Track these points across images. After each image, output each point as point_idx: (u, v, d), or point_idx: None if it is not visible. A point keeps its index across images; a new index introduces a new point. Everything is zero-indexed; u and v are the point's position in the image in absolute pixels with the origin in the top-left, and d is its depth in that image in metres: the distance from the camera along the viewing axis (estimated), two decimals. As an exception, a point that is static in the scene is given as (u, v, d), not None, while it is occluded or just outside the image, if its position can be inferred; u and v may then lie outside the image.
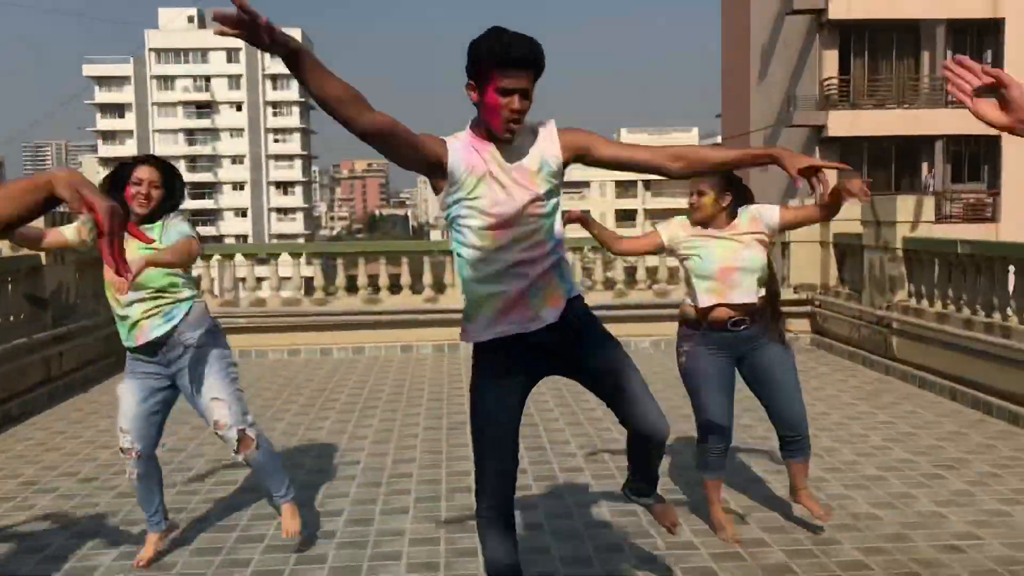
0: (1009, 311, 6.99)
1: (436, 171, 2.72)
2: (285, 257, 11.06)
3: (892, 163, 27.48)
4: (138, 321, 4.01)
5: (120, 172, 3.97)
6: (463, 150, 2.73)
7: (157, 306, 4.01)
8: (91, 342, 9.07)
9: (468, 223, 2.75)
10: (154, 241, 2.57)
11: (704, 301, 4.14)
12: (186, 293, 4.11)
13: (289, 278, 11.04)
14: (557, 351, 2.86)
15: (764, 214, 4.21)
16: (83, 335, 8.85)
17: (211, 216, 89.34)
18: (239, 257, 11.03)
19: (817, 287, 10.39)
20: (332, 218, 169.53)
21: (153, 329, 4.01)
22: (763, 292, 4.19)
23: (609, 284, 10.57)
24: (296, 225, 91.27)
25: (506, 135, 2.70)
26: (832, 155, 26.75)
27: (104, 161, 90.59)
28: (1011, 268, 7.13)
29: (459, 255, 2.83)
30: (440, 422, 7.04)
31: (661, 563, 4.17)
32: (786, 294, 10.40)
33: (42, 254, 8.32)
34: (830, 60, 26.53)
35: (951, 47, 26.18)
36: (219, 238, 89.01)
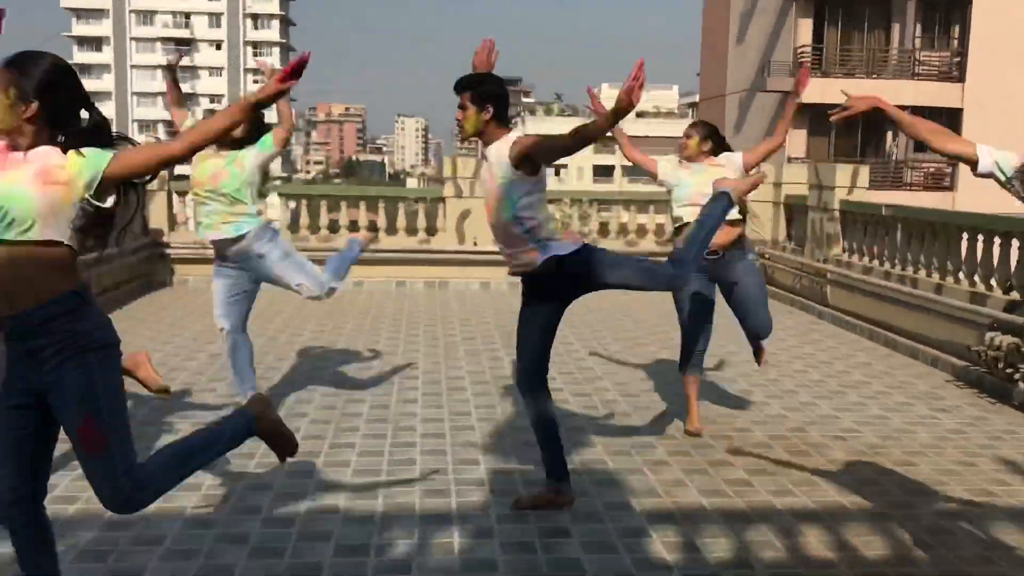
0: (920, 266, 8.32)
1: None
2: (274, 198, 12.14)
3: (859, 131, 28.74)
4: (212, 223, 5.25)
5: None
6: None
7: (232, 214, 5.24)
8: (120, 268, 10.20)
9: None
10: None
11: (680, 221, 5.42)
12: (252, 210, 5.30)
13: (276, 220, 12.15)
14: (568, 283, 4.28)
15: (733, 158, 5.48)
16: (112, 261, 9.98)
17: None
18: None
19: (768, 242, 11.69)
20: (308, 162, 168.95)
21: (222, 233, 5.25)
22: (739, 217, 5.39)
23: (584, 236, 11.81)
24: (272, 167, 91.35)
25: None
26: (801, 121, 28.02)
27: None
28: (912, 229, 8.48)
29: None
30: (438, 343, 8.28)
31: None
32: (740, 247, 11.73)
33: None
34: (804, 28, 27.64)
35: (920, 21, 27.38)
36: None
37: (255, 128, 5.29)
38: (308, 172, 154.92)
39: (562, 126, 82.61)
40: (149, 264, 11.10)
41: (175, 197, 11.37)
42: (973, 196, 27.26)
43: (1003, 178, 3.09)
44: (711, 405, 6.27)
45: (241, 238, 5.27)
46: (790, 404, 6.42)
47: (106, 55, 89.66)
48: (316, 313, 9.73)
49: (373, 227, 11.76)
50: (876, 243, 9.19)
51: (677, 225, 5.51)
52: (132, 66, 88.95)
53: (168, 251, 11.14)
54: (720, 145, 5.55)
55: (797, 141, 28.41)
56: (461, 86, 4.16)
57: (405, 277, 11.45)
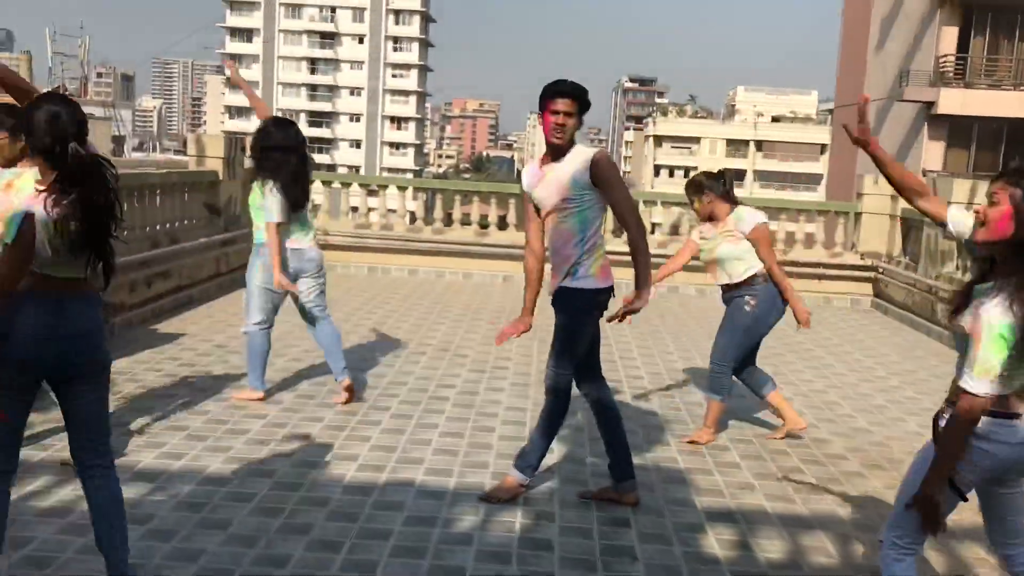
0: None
1: None
2: (393, 190, 12.61)
3: (1002, 144, 27.47)
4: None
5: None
6: None
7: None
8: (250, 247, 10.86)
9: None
10: None
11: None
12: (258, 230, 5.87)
13: (395, 210, 12.64)
14: None
15: (743, 219, 5.48)
16: (245, 240, 10.63)
17: (327, 145, 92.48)
18: (355, 186, 12.67)
19: (882, 256, 11.45)
20: (440, 156, 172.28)
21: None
22: (751, 267, 5.45)
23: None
24: (406, 160, 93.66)
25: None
26: (939, 132, 26.99)
27: (228, 83, 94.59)
28: None
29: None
30: (534, 335, 8.52)
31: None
32: (852, 260, 11.53)
33: (219, 169, 10.08)
34: (948, 36, 26.56)
35: (1077, 30, 25.95)
36: (332, 167, 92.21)
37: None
38: (439, 166, 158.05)
39: (695, 128, 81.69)
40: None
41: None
42: None
43: (963, 240, 3.08)
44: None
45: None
46: (877, 419, 6.38)
47: (255, 46, 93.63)
48: (424, 300, 10.15)
49: (484, 222, 12.11)
50: (991, 262, 8.91)
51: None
52: (279, 57, 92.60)
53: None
54: (727, 196, 5.53)
55: (934, 154, 27.38)
56: (573, 94, 4.25)
57: (513, 272, 11.75)
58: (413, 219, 12.32)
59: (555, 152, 4.31)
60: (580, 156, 4.27)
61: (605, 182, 4.23)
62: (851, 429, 6.10)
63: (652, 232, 11.72)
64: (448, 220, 12.17)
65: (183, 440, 5.07)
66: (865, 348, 8.95)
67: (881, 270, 11.36)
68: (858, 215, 11.70)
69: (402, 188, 12.27)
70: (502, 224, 12.23)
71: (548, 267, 4.44)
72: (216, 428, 5.35)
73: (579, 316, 4.37)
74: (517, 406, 6.16)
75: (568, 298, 4.37)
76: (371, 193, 13.12)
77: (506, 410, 6.06)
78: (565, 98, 4.22)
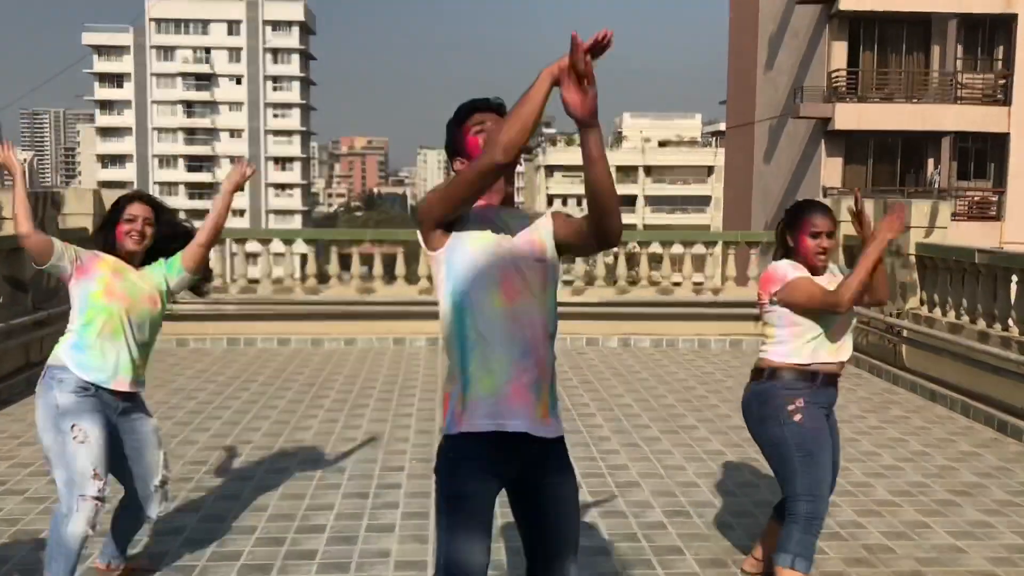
0: (1027, 326, 6.72)
1: None
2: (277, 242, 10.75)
3: (898, 158, 27.20)
4: (136, 366, 3.76)
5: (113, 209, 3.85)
6: None
7: (144, 362, 3.81)
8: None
9: None
10: None
11: (816, 356, 3.65)
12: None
13: (282, 254, 10.74)
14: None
15: (835, 270, 3.90)
16: (65, 319, 8.53)
17: (208, 190, 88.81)
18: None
19: (824, 289, 10.10)
20: (330, 195, 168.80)
21: (136, 384, 3.79)
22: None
23: (611, 280, 10.29)
24: (293, 201, 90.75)
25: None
26: (837, 149, 26.49)
27: (101, 131, 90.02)
28: (1013, 278, 6.92)
29: None
30: (431, 425, 6.75)
31: None
32: (792, 296, 10.15)
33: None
34: (839, 51, 26.14)
35: (962, 41, 25.86)
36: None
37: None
38: (330, 205, 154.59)
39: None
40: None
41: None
42: (1022, 225, 25.80)
43: None
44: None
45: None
46: (892, 528, 4.82)
47: (127, 91, 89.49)
48: (304, 368, 8.28)
49: (369, 274, 10.29)
50: (966, 296, 7.59)
51: (810, 361, 3.68)
52: (153, 101, 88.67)
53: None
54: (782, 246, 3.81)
55: (832, 170, 26.91)
56: (493, 106, 2.68)
57: (405, 333, 9.95)
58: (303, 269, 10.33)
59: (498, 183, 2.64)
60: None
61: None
62: (864, 547, 4.51)
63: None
64: (323, 276, 10.29)
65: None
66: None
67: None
68: (793, 244, 10.33)
69: (288, 241, 10.34)
70: (389, 276, 10.44)
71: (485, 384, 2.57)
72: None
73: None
74: (410, 558, 4.35)
75: (563, 451, 2.73)
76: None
77: (396, 567, 4.26)
78: (489, 113, 2.67)
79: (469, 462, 2.57)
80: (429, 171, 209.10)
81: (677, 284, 10.26)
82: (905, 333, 8.29)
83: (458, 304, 2.57)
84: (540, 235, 2.66)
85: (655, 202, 79.38)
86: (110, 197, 9.69)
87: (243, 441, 6.26)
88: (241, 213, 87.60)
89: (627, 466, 5.79)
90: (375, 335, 9.89)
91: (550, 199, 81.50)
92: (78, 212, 9.37)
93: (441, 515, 2.61)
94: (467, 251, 2.56)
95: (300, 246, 10.81)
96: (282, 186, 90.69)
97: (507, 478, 2.64)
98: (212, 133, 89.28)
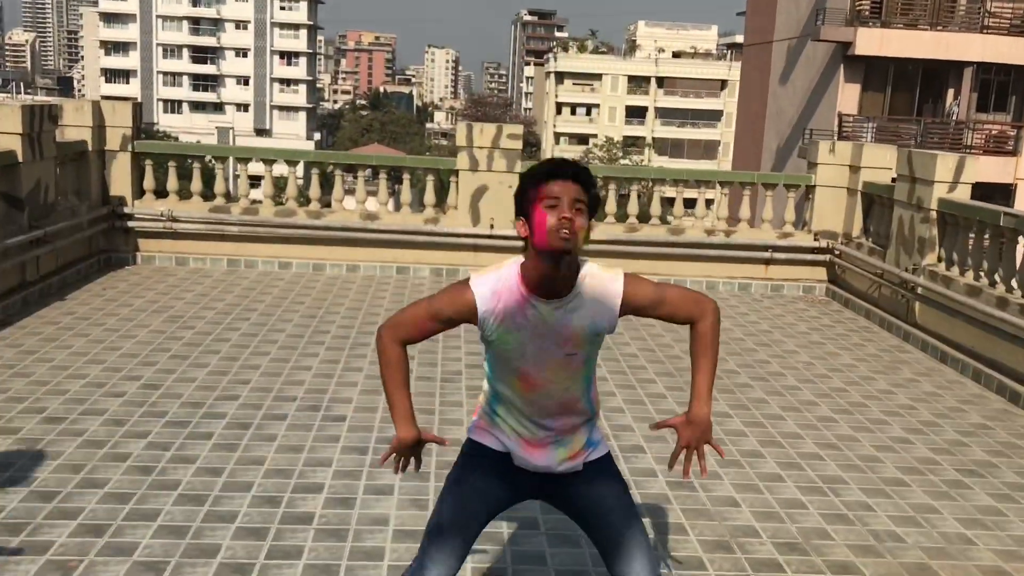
0: (1049, 296, 6.53)
1: None
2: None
3: (917, 88, 26.58)
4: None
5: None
6: None
7: None
8: (70, 244, 8.58)
9: None
10: None
11: None
12: None
13: (285, 178, 10.48)
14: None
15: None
16: (61, 237, 8.35)
17: (212, 82, 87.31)
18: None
19: (839, 236, 9.87)
20: (335, 91, 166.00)
21: None
22: None
23: (621, 217, 10.04)
24: (299, 97, 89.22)
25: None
26: (855, 75, 25.83)
27: (105, 16, 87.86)
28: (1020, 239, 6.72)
29: None
30: (433, 371, 6.63)
31: None
32: (805, 240, 9.94)
33: (17, 148, 7.75)
34: (864, -28, 25.27)
35: (994, -33, 24.97)
36: (219, 105, 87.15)
37: None
38: (335, 102, 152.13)
39: (597, 64, 79.61)
40: (108, 238, 9.47)
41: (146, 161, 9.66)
42: (1040, 162, 25.32)
43: None
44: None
45: None
46: (901, 511, 4.72)
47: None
48: (305, 297, 8.15)
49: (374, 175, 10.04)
50: (988, 258, 7.38)
51: None
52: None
53: (131, 223, 9.49)
54: None
55: (848, 96, 26.32)
56: (583, 178, 2.44)
57: (409, 262, 9.77)
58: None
59: (552, 274, 2.43)
60: (598, 288, 2.51)
61: (646, 303, 2.61)
62: (872, 534, 4.43)
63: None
64: (329, 186, 10.02)
65: None
66: (833, 362, 7.35)
67: (837, 252, 9.78)
68: (810, 188, 10.06)
69: (268, 162, 10.03)
70: (395, 203, 10.20)
71: (523, 437, 2.68)
72: None
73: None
74: (409, 526, 4.26)
75: (608, 463, 2.76)
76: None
77: (395, 536, 4.17)
78: (570, 183, 2.41)
79: (483, 459, 2.69)
80: (436, 70, 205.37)
81: (689, 222, 10.02)
82: (920, 290, 8.10)
83: (489, 364, 2.63)
84: (583, 324, 2.50)
85: (665, 114, 78.12)
86: (110, 111, 9.39)
87: (241, 381, 6.14)
88: (245, 108, 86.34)
89: (622, 409, 5.68)
90: (379, 262, 9.71)
91: (559, 107, 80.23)
92: (77, 124, 9.08)
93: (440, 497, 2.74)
94: (491, 342, 2.55)
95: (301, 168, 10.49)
96: (287, 81, 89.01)
97: (525, 488, 2.72)
98: (217, 24, 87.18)
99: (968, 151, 25.25)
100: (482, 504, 2.66)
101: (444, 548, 2.60)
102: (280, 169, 11.05)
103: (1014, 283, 6.98)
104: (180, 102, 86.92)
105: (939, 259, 8.11)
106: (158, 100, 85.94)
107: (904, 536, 4.42)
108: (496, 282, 2.46)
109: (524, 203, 2.45)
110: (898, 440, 5.73)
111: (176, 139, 60.82)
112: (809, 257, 9.92)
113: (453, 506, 2.66)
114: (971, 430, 6.01)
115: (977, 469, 5.33)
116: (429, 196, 9.81)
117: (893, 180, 9.08)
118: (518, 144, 9.62)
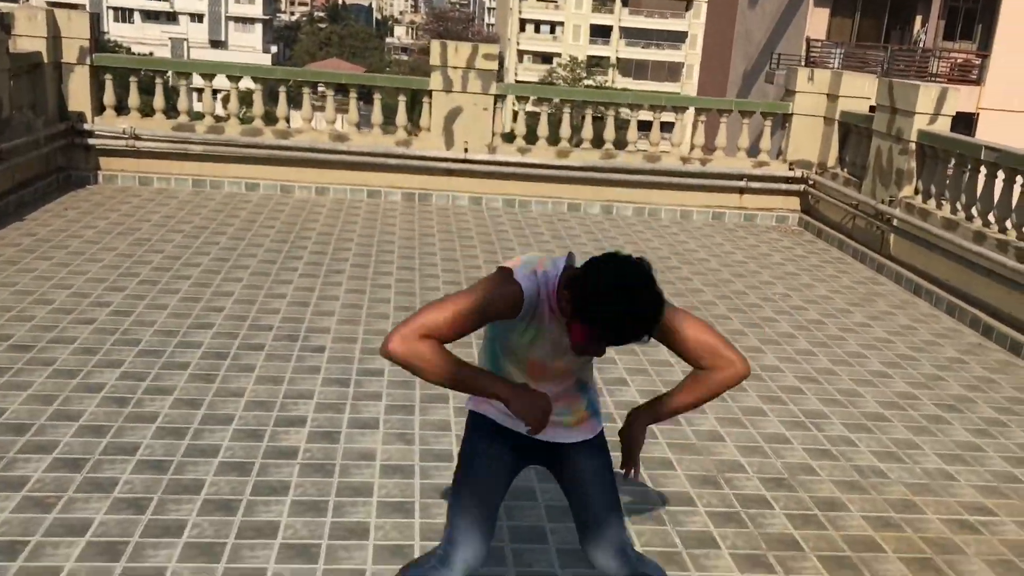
0: (1026, 231, 6.55)
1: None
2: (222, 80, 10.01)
3: (886, 13, 26.42)
4: None
5: None
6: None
7: None
8: (26, 161, 8.24)
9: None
10: None
11: None
12: None
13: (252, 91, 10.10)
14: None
15: None
16: (17, 154, 8.01)
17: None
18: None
19: (814, 166, 9.82)
20: (293, 2, 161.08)
21: None
22: None
23: (598, 143, 9.86)
24: (255, 8, 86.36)
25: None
26: (825, 1, 25.57)
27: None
28: (1019, 179, 6.72)
29: None
30: (411, 300, 6.51)
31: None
32: (780, 170, 9.87)
33: (-29, 61, 7.35)
34: None
35: None
36: (173, 15, 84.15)
37: None
38: (292, 14, 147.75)
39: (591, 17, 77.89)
40: (67, 156, 9.11)
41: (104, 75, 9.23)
42: (1002, 91, 25.45)
43: None
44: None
45: None
46: (884, 447, 4.76)
47: None
48: (274, 220, 7.95)
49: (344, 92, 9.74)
50: (965, 192, 7.37)
51: None
52: None
53: (92, 140, 9.13)
54: None
55: (817, 20, 26.09)
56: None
57: (380, 185, 9.55)
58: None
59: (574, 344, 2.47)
60: None
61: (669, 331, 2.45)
62: (856, 470, 4.46)
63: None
64: (296, 104, 9.74)
65: None
66: (808, 293, 7.36)
67: (811, 182, 9.74)
68: (786, 116, 9.95)
69: (234, 78, 9.63)
70: (364, 122, 9.93)
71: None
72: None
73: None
74: (396, 461, 4.20)
75: (600, 436, 2.72)
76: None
77: (382, 472, 4.10)
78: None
79: (487, 428, 2.65)
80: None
81: (665, 152, 9.89)
82: (895, 222, 8.11)
83: (490, 344, 2.56)
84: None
85: (630, 35, 77.08)
86: (64, 19, 8.95)
87: (214, 308, 5.98)
88: (200, 18, 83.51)
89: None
90: (349, 185, 9.48)
91: (522, 23, 78.81)
92: (29, 35, 8.64)
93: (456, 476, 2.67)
94: (508, 332, 2.47)
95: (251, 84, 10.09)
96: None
97: (529, 452, 2.67)
98: (172, 18, 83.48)
99: (933, 79, 25.28)
100: (502, 471, 2.62)
101: (473, 525, 2.55)
102: (246, 84, 10.66)
103: (991, 217, 6.99)
104: (131, 10, 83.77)
105: (916, 191, 8.10)
106: (108, 7, 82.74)
107: (887, 472, 4.47)
108: (538, 286, 2.35)
109: (577, 313, 2.26)
110: (877, 374, 5.77)
111: (128, 50, 58.87)
112: (784, 187, 9.87)
113: (474, 480, 2.60)
114: (947, 364, 6.07)
115: (955, 404, 5.39)
116: (401, 117, 9.55)
117: (871, 110, 9.00)
118: (494, 65, 9.35)
